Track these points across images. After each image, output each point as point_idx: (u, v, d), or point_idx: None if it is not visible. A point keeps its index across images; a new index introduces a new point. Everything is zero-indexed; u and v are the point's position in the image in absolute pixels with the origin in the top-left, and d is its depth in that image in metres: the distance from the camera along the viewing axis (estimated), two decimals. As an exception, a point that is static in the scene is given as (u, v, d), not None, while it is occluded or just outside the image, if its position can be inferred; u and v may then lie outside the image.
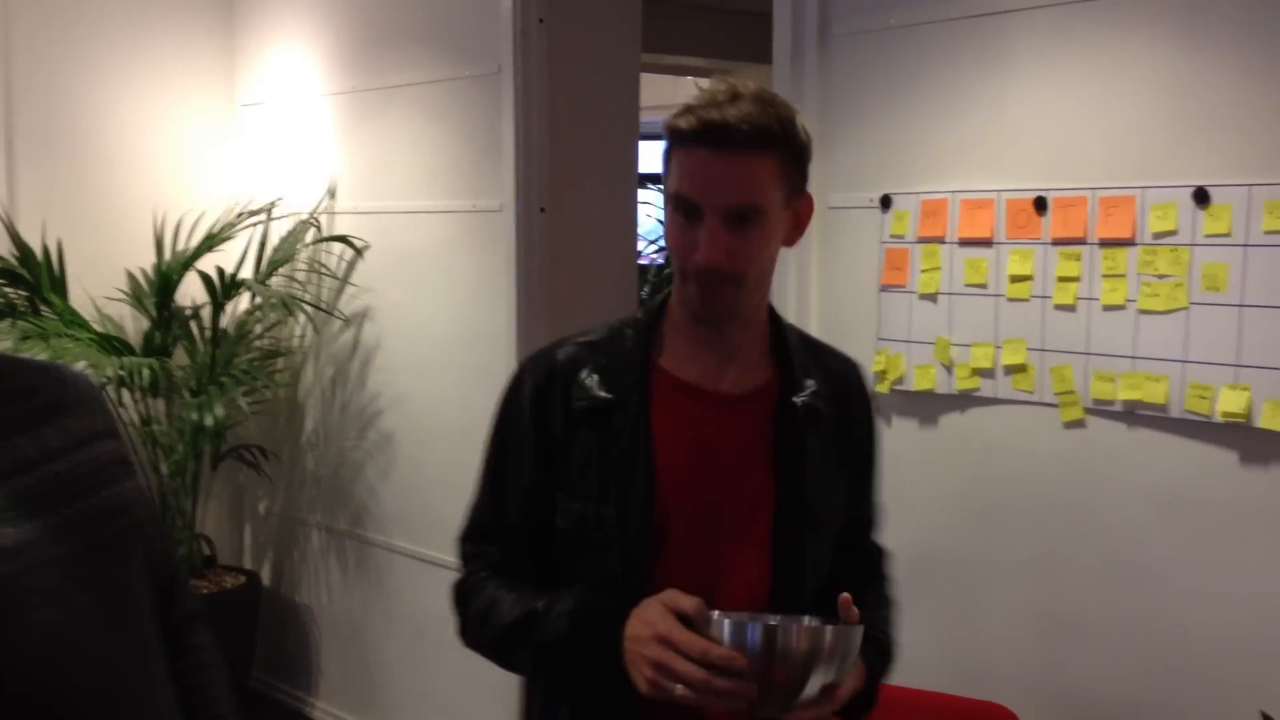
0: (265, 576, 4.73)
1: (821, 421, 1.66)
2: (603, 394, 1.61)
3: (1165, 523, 2.42)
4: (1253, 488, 2.30)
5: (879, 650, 1.69)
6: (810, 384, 1.66)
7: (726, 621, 1.43)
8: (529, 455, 1.64)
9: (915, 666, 2.73)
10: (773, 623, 1.44)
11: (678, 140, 1.53)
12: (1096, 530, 2.53)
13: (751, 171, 1.51)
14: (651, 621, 1.45)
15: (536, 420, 1.63)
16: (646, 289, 6.84)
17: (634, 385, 1.61)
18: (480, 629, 1.66)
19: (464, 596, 1.70)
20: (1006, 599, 2.68)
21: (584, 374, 1.63)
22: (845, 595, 1.50)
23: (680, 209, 1.54)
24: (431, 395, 4.01)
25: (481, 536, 1.72)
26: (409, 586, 4.14)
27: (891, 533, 2.85)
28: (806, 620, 1.50)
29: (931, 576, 2.81)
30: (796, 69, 3.02)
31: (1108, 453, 2.50)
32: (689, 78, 6.32)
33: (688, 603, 1.45)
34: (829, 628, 1.43)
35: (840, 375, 1.74)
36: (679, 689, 1.41)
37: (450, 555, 4.19)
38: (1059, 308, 2.55)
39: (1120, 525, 2.49)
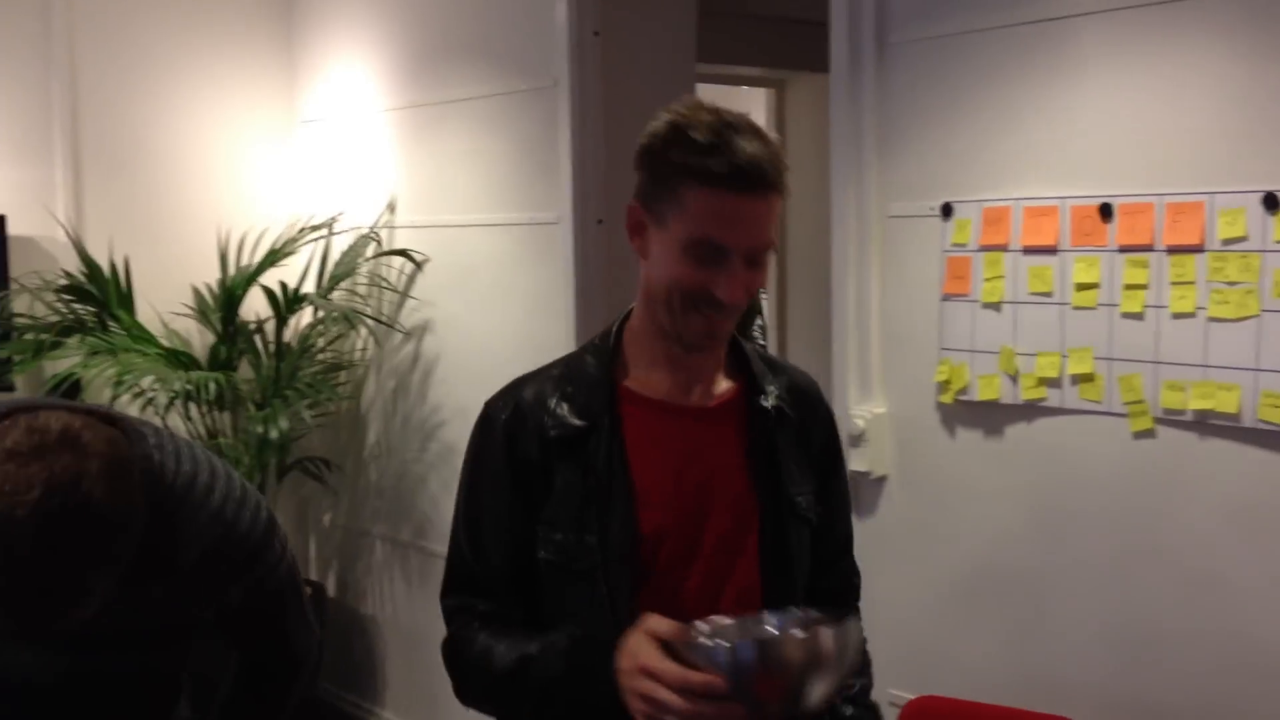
0: (330, 587, 4.78)
1: (787, 423, 1.68)
2: (575, 421, 1.59)
3: (1238, 534, 2.38)
4: (1329, 498, 2.26)
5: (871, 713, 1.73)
6: (772, 389, 1.68)
7: (704, 642, 1.40)
8: (507, 494, 1.61)
9: (981, 679, 2.71)
10: (767, 629, 1.44)
11: (703, 180, 1.48)
12: (1167, 541, 2.49)
13: (772, 212, 1.53)
14: (633, 653, 1.44)
15: (510, 457, 1.61)
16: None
17: (604, 408, 1.60)
18: (477, 683, 1.63)
19: (455, 653, 1.65)
20: (1075, 611, 2.65)
21: (553, 403, 1.61)
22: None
23: (700, 255, 1.50)
24: (492, 407, 4.02)
25: (464, 589, 1.67)
26: (472, 597, 4.15)
27: (957, 543, 2.84)
28: (798, 614, 1.48)
29: (997, 588, 2.78)
30: (854, 78, 3.00)
31: (1178, 463, 2.46)
32: (743, 88, 6.31)
33: (666, 628, 1.44)
34: (822, 630, 1.40)
35: (800, 387, 1.75)
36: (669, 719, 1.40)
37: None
38: (1126, 316, 2.52)
39: (1192, 536, 2.45)
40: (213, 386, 4.08)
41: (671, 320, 1.56)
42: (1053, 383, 2.65)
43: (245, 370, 4.41)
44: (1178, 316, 2.43)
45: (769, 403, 1.67)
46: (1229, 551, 2.39)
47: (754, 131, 1.52)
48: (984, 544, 2.80)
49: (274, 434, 4.09)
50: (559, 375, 1.65)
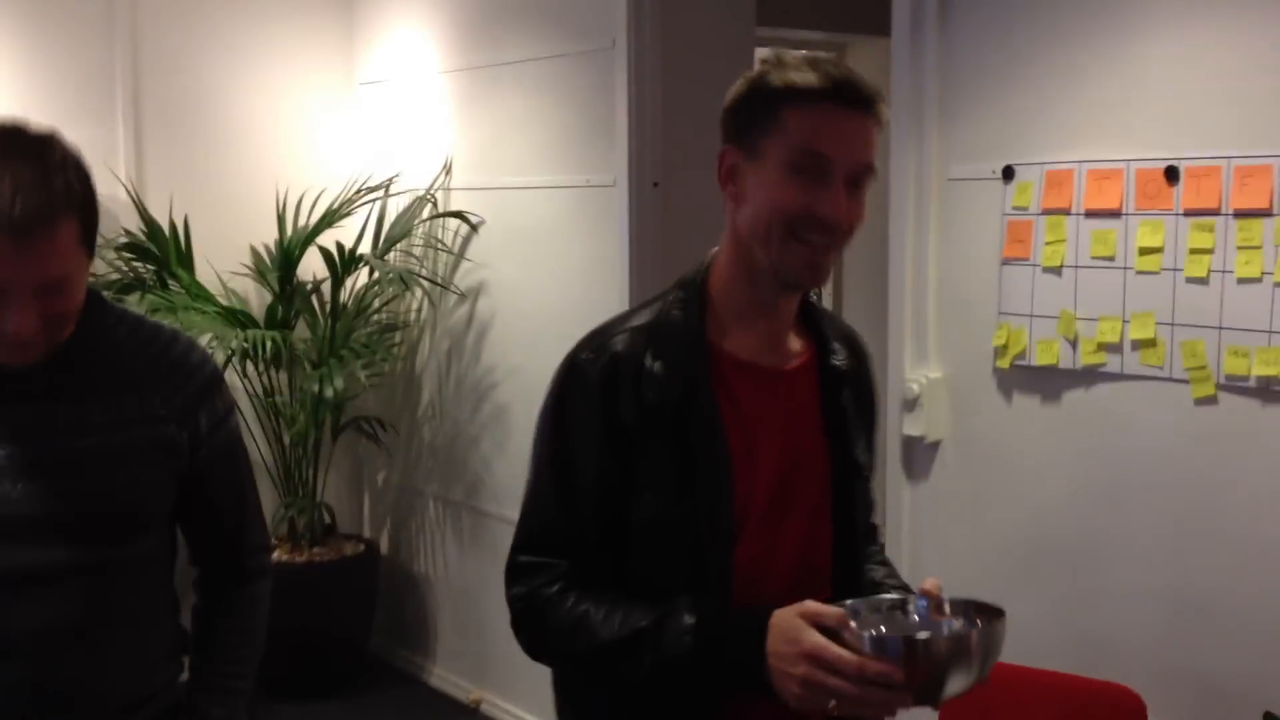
0: (383, 545, 4.83)
1: (848, 380, 1.68)
2: (673, 385, 1.56)
3: (1301, 502, 2.35)
4: (1396, 467, 2.22)
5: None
6: (838, 348, 1.68)
7: (868, 635, 1.42)
8: (601, 451, 1.56)
9: (1037, 645, 2.69)
10: (915, 626, 1.47)
11: (800, 98, 1.49)
12: (1229, 509, 2.46)
13: (872, 132, 1.52)
14: (796, 639, 1.42)
15: (607, 414, 1.56)
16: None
17: (702, 372, 1.57)
18: (565, 646, 1.58)
19: (537, 611, 1.60)
20: (1132, 579, 2.62)
21: (648, 361, 1.56)
22: (934, 580, 1.53)
23: (803, 167, 1.49)
24: (545, 369, 3.97)
25: (544, 547, 1.61)
26: (523, 558, 4.18)
27: (1014, 509, 2.82)
28: (929, 601, 1.51)
29: (1055, 555, 2.76)
30: (916, 40, 2.97)
31: (1241, 430, 2.42)
32: (803, 52, 6.26)
33: (829, 615, 1.43)
34: (974, 631, 1.44)
35: (849, 336, 1.74)
36: (832, 703, 1.40)
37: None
38: (1190, 280, 2.48)
39: (1254, 504, 2.42)
40: (269, 345, 4.13)
41: (769, 254, 1.53)
42: (1113, 348, 2.61)
43: (301, 330, 4.45)
44: (1243, 281, 2.39)
45: (840, 362, 1.66)
46: (1291, 520, 2.36)
47: (846, 66, 1.56)
48: (1039, 510, 2.78)
49: (329, 393, 4.13)
50: (648, 327, 1.59)
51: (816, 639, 1.40)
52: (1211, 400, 2.46)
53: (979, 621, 1.47)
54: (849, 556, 1.66)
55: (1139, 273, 2.56)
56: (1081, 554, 2.71)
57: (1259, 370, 2.37)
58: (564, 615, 1.56)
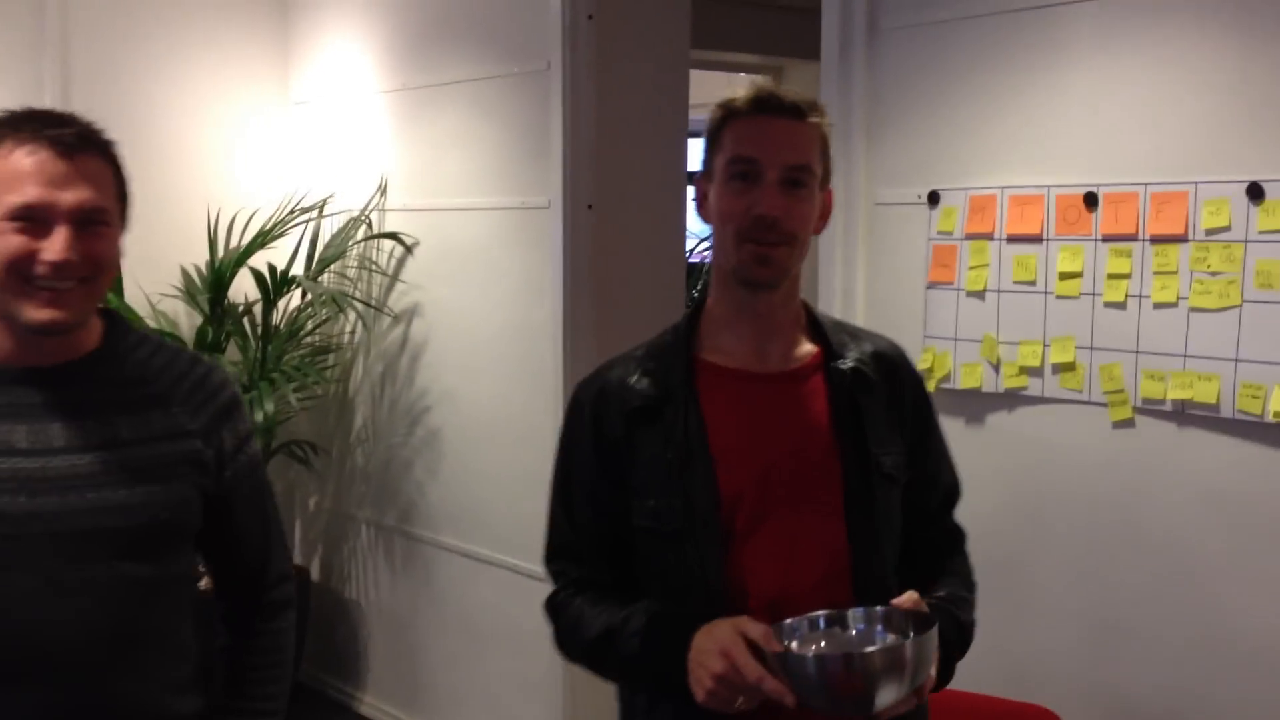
0: (315, 571, 4.77)
1: (870, 385, 1.73)
2: (652, 391, 1.69)
3: (1216, 524, 2.37)
4: (1307, 490, 2.25)
5: (957, 626, 1.73)
6: (851, 353, 1.74)
7: (792, 656, 1.50)
8: (593, 467, 1.72)
9: (961, 667, 2.69)
10: (851, 635, 1.56)
11: (731, 115, 1.67)
12: (1146, 531, 2.48)
13: (803, 136, 1.66)
14: (718, 637, 1.53)
15: (596, 433, 1.72)
16: (699, 287, 6.81)
17: (680, 379, 1.69)
18: (572, 645, 1.77)
19: (554, 612, 1.80)
20: (1053, 600, 2.64)
21: (633, 379, 1.72)
22: (912, 594, 1.60)
23: (737, 174, 1.64)
24: (479, 392, 4.03)
25: (561, 556, 1.80)
26: (456, 583, 4.15)
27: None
28: (880, 612, 1.58)
29: (979, 576, 2.76)
30: (845, 64, 2.99)
31: (1157, 453, 2.45)
32: (741, 74, 6.29)
33: (755, 631, 1.52)
34: (906, 643, 1.49)
35: (883, 352, 1.80)
36: (739, 700, 1.52)
37: (498, 551, 4.20)
38: (1109, 305, 2.51)
39: (1170, 526, 2.44)
40: (199, 367, 4.06)
41: (728, 260, 1.67)
42: (1034, 371, 2.64)
43: (233, 352, 4.40)
44: (1159, 306, 2.42)
45: (847, 364, 1.73)
46: (1206, 541, 2.38)
47: (783, 86, 1.73)
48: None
49: (260, 416, 4.08)
50: (642, 355, 1.76)
51: (737, 643, 1.51)
52: (1129, 423, 2.49)
53: (910, 634, 1.53)
54: (871, 558, 1.70)
55: (1059, 297, 2.58)
56: (1005, 576, 2.72)
57: (1174, 394, 2.40)
58: (569, 615, 1.74)
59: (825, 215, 1.73)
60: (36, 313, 1.56)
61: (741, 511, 1.66)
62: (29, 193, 1.54)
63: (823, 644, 1.56)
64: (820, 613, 1.59)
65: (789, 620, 1.56)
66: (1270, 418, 2.27)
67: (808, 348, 1.75)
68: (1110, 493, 2.53)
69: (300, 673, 4.62)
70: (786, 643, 1.54)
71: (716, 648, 1.52)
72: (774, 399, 1.70)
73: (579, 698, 3.68)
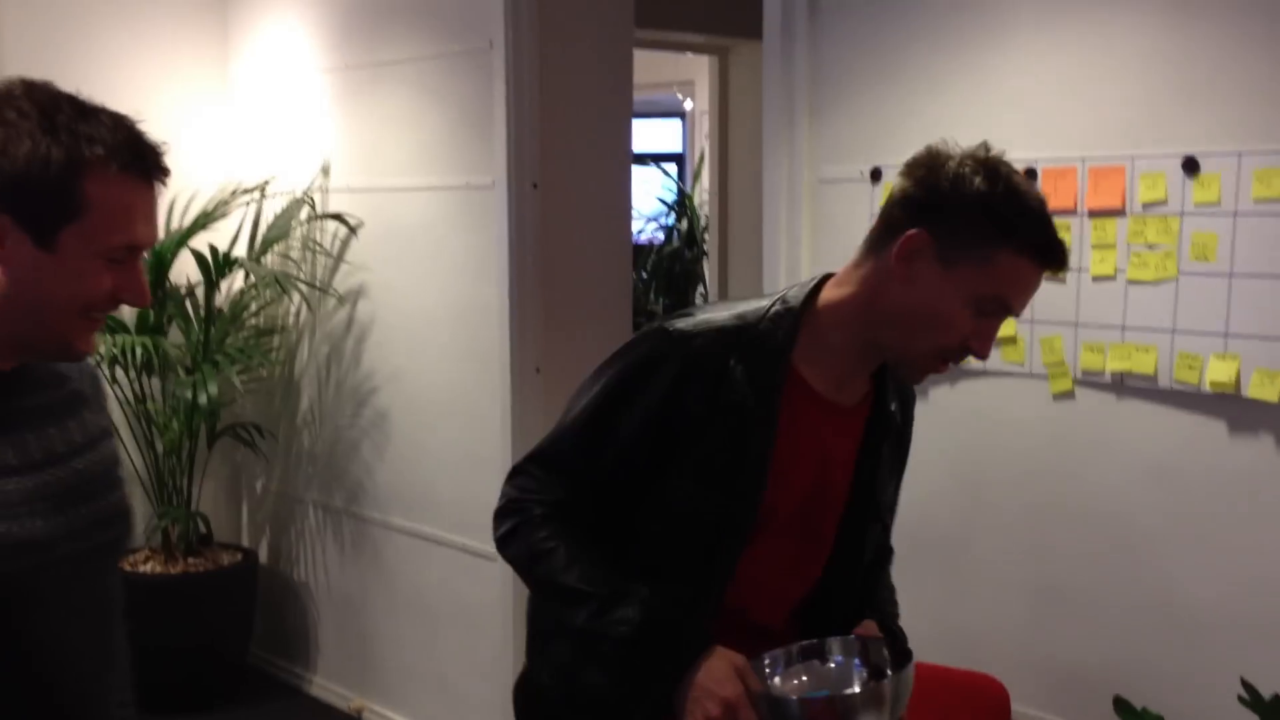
0: (262, 554, 4.74)
1: (894, 431, 1.77)
2: (749, 391, 1.62)
3: (1153, 493, 2.42)
4: (1240, 458, 2.30)
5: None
6: (893, 398, 1.76)
7: (777, 699, 1.57)
8: (648, 424, 1.64)
9: (909, 639, 2.72)
10: (831, 667, 1.62)
11: (1025, 250, 1.55)
12: (1085, 501, 2.52)
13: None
14: (724, 682, 1.56)
15: (673, 397, 1.62)
16: (647, 266, 6.83)
17: (775, 389, 1.63)
18: (527, 563, 1.70)
19: (513, 517, 1.71)
20: (996, 571, 2.68)
21: (732, 363, 1.63)
22: (869, 623, 1.68)
23: (987, 310, 1.58)
24: (426, 373, 4.01)
25: (555, 466, 1.71)
26: (405, 563, 4.14)
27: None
28: (856, 642, 1.64)
29: (922, 549, 2.80)
30: (787, 43, 3.00)
31: (1097, 424, 2.49)
32: (688, 54, 6.29)
33: (753, 679, 1.58)
34: (886, 682, 1.55)
35: (905, 393, 1.82)
36: None
37: (447, 531, 4.18)
38: (1048, 279, 2.53)
39: (1109, 496, 2.49)
40: (140, 351, 4.03)
41: (904, 349, 1.62)
42: (977, 345, 2.67)
43: (175, 335, 4.35)
44: (1098, 279, 2.46)
45: (893, 411, 1.75)
46: (1145, 511, 2.43)
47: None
48: (908, 505, 2.81)
49: (203, 399, 4.04)
50: (734, 330, 1.65)
51: (738, 689, 1.55)
52: (1069, 395, 2.53)
53: (889, 668, 1.59)
54: (845, 591, 1.77)
55: (1000, 271, 2.61)
56: (949, 547, 2.76)
57: (1113, 365, 2.44)
58: (537, 539, 1.67)
59: None
60: (85, 345, 1.42)
61: (769, 525, 1.67)
62: (139, 233, 1.40)
63: (804, 678, 1.62)
64: (797, 645, 1.65)
65: (768, 654, 1.62)
66: (1206, 388, 2.31)
67: (865, 385, 1.73)
68: (1052, 464, 2.57)
69: (249, 655, 4.60)
70: (769, 675, 1.61)
71: (720, 693, 1.54)
72: (835, 433, 1.71)
73: (530, 676, 3.70)
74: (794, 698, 1.57)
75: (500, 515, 1.73)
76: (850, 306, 1.64)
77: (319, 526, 4.52)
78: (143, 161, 1.42)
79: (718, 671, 1.57)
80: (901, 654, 1.59)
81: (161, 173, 1.43)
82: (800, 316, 1.65)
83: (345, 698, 4.41)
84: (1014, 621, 2.65)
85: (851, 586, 1.78)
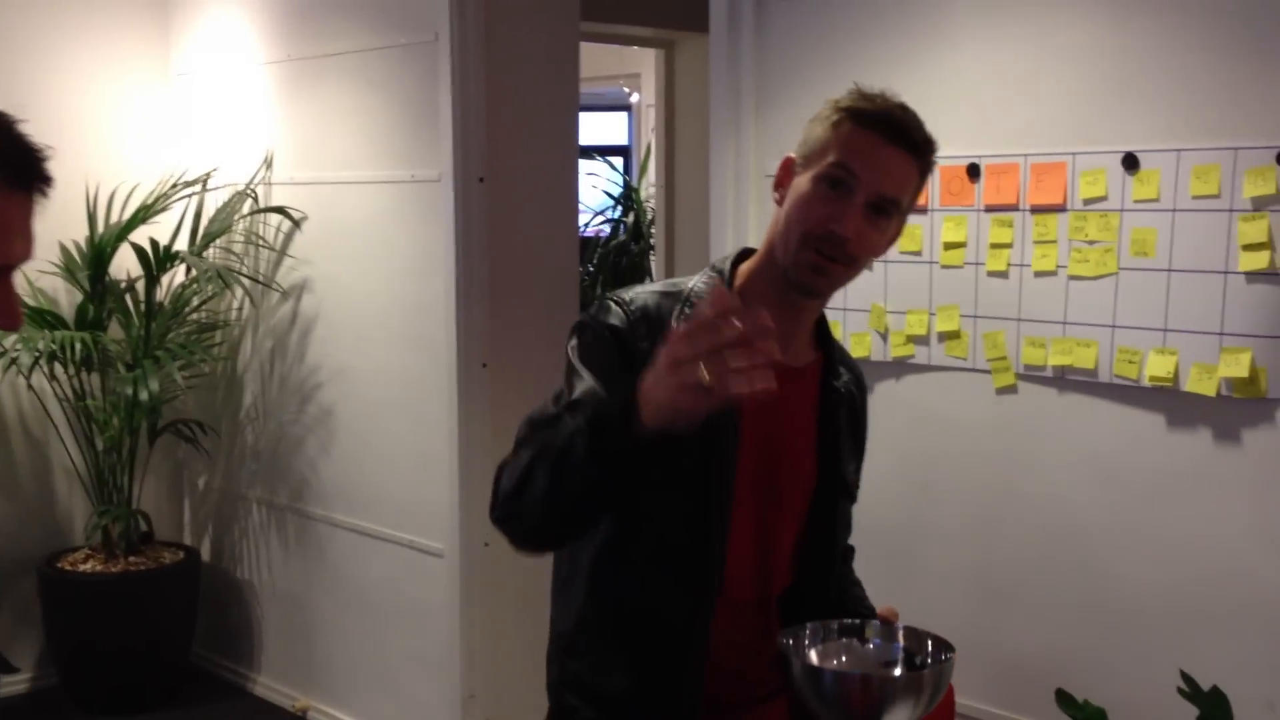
0: (205, 552, 4.69)
1: (849, 404, 1.77)
2: None
3: (1094, 486, 2.45)
4: (1179, 451, 2.33)
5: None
6: (843, 371, 1.77)
7: (828, 671, 1.52)
8: (625, 375, 1.54)
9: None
10: (868, 654, 1.57)
11: (854, 119, 1.60)
12: (1028, 495, 2.55)
13: (907, 173, 1.62)
14: (665, 352, 1.35)
15: (629, 354, 1.60)
16: (594, 259, 6.82)
17: None
18: (512, 468, 1.57)
19: (508, 463, 1.60)
20: (940, 564, 2.70)
21: (674, 324, 1.61)
22: (890, 607, 1.66)
23: (830, 180, 1.58)
24: (371, 368, 3.98)
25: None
26: (351, 560, 4.11)
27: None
28: (899, 628, 1.61)
29: (868, 542, 2.81)
30: (733, 36, 3.00)
31: (1039, 418, 2.51)
32: (634, 47, 6.28)
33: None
34: (927, 672, 1.54)
35: (859, 377, 1.84)
36: (700, 371, 1.30)
37: (393, 528, 4.14)
38: (992, 274, 2.56)
39: (1051, 489, 2.51)
40: (79, 347, 3.97)
41: (785, 254, 1.61)
42: (921, 340, 2.69)
43: (115, 330, 4.29)
44: (1040, 275, 2.48)
45: (840, 382, 1.75)
46: (1086, 503, 2.46)
47: (915, 115, 1.64)
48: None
49: (144, 396, 3.99)
50: (672, 293, 1.67)
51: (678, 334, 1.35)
52: (1012, 390, 2.55)
53: (929, 658, 1.57)
54: (821, 570, 1.76)
55: (944, 266, 2.63)
56: (894, 540, 2.78)
57: (1055, 360, 2.47)
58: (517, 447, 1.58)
59: (893, 241, 1.69)
60: None
61: (738, 487, 1.65)
62: (14, 250, 1.31)
63: (842, 657, 1.58)
64: (837, 621, 1.62)
65: (809, 624, 1.59)
66: (1146, 382, 2.34)
67: (811, 352, 1.74)
68: (995, 458, 2.59)
69: (191, 655, 4.54)
70: (808, 646, 1.56)
71: (658, 365, 1.35)
72: (782, 392, 1.66)
73: (477, 675, 3.68)
74: (830, 669, 1.53)
75: (494, 487, 1.61)
76: (762, 255, 1.68)
77: (263, 524, 4.47)
78: (21, 170, 1.24)
79: (657, 362, 1.37)
80: (942, 646, 1.57)
81: (43, 182, 1.26)
82: (731, 277, 1.69)
83: (290, 697, 4.37)
84: (957, 614, 2.67)
85: (829, 570, 1.77)
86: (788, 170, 1.66)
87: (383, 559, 3.98)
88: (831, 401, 1.74)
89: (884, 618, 1.66)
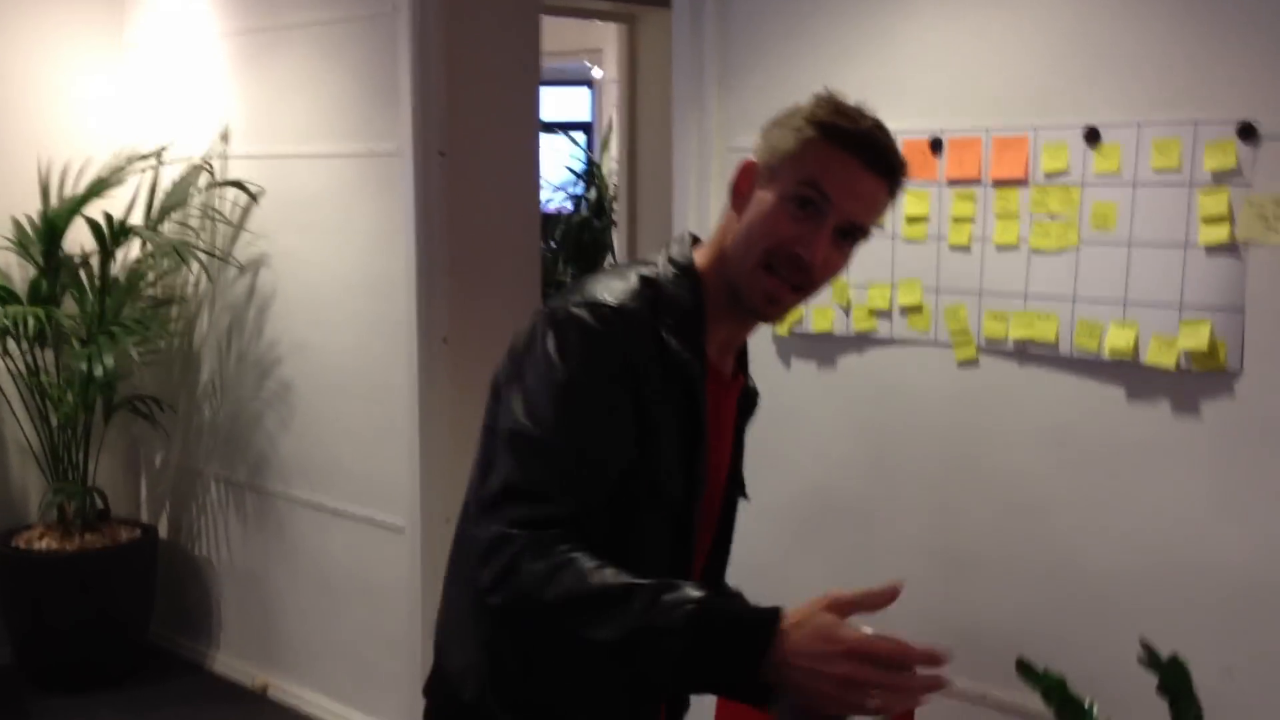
0: (163, 529, 4.64)
1: (750, 414, 1.77)
2: (688, 355, 1.53)
3: (1056, 459, 2.46)
4: (1138, 423, 2.35)
5: None
6: (750, 379, 1.76)
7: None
8: (624, 401, 1.48)
9: (813, 605, 2.74)
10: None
11: (829, 137, 1.51)
12: (990, 467, 2.56)
13: (879, 199, 1.55)
14: (833, 637, 1.28)
15: (635, 377, 1.49)
16: (556, 235, 6.78)
17: (702, 349, 1.56)
18: (542, 583, 1.38)
19: (513, 548, 1.40)
20: (901, 536, 2.71)
21: (665, 334, 1.53)
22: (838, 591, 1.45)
23: (803, 199, 1.50)
24: (331, 344, 3.95)
25: (549, 497, 1.44)
26: (310, 537, 4.08)
27: (791, 472, 2.88)
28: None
29: (830, 516, 2.83)
30: (696, 11, 2.98)
31: (1000, 392, 2.52)
32: (595, 21, 6.24)
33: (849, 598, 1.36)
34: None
35: (753, 387, 1.80)
36: (874, 701, 1.29)
37: (353, 505, 4.12)
38: (954, 248, 2.57)
39: (1013, 462, 2.52)
40: (32, 322, 3.92)
41: (741, 269, 1.54)
42: (883, 314, 2.69)
43: (69, 306, 4.23)
44: (1001, 249, 2.49)
45: (753, 389, 1.73)
46: (1047, 475, 2.47)
47: (887, 133, 1.56)
48: (817, 472, 2.85)
49: (99, 372, 3.94)
50: (650, 296, 1.53)
51: (858, 634, 1.30)
52: (973, 363, 2.56)
53: None
54: (719, 569, 1.76)
55: (907, 240, 2.63)
56: (856, 514, 2.79)
57: (1015, 333, 2.47)
58: (551, 558, 1.38)
59: (850, 260, 1.61)
60: None
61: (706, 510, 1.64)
62: None
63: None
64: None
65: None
66: (1106, 355, 2.35)
67: (733, 358, 1.69)
68: (956, 431, 2.60)
69: (150, 633, 4.50)
70: None
71: (835, 650, 1.27)
72: (723, 403, 1.67)
73: (439, 649, 3.67)
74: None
75: (490, 553, 1.42)
76: (713, 258, 1.59)
77: (221, 501, 4.43)
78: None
79: (812, 626, 1.29)
80: None
81: None
82: (698, 275, 1.58)
83: (250, 674, 4.35)
84: (918, 585, 2.67)
85: (724, 568, 1.78)
86: (749, 177, 1.56)
87: (343, 535, 3.96)
88: (745, 410, 1.74)
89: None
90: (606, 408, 1.48)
